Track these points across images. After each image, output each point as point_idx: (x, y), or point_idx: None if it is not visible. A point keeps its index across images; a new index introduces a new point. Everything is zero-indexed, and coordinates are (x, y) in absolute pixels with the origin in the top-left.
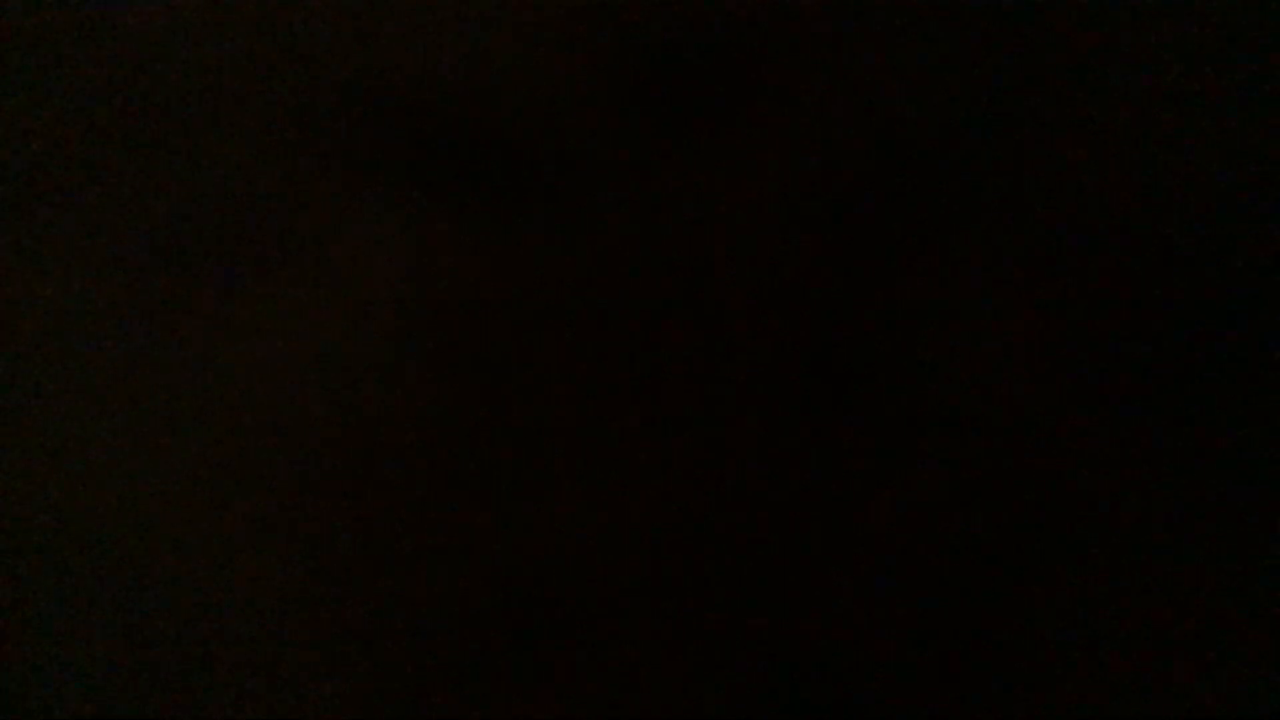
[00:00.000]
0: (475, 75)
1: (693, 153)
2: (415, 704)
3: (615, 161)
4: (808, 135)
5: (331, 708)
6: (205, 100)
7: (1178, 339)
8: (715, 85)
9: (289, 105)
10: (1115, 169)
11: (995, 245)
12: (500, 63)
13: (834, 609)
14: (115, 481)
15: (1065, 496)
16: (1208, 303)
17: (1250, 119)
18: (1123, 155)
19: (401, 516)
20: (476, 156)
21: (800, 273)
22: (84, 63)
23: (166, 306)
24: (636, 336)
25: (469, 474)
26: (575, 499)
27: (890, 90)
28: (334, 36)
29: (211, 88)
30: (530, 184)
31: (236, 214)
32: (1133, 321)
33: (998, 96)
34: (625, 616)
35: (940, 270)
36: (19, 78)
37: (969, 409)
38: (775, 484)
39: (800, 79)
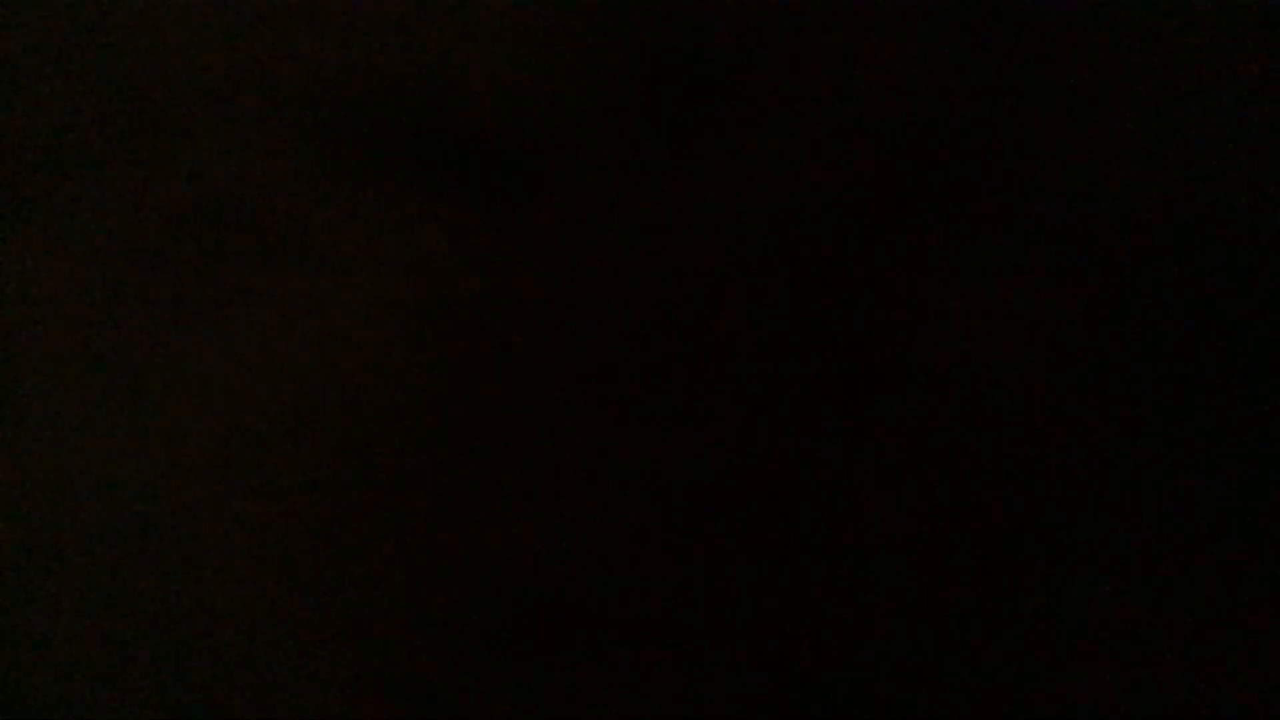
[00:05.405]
0: (477, 76)
1: (693, 152)
2: (416, 704)
3: (616, 161)
4: (808, 136)
5: (333, 707)
6: (209, 99)
7: (1178, 337)
8: (715, 85)
9: (292, 105)
10: (1114, 168)
11: (995, 244)
12: (501, 63)
13: (833, 609)
14: (117, 478)
15: (1065, 496)
16: (1208, 301)
17: (1250, 118)
18: (1122, 154)
19: (403, 512)
20: (478, 156)
21: (800, 273)
22: (86, 61)
23: (167, 305)
24: (637, 336)
25: (471, 471)
26: (576, 496)
27: (890, 92)
28: (337, 36)
29: (216, 86)
30: (531, 184)
31: (238, 213)
32: (1133, 320)
33: (997, 96)
34: (626, 615)
35: (940, 270)
36: (20, 77)
37: (968, 408)
38: (774, 484)
39: (800, 80)
